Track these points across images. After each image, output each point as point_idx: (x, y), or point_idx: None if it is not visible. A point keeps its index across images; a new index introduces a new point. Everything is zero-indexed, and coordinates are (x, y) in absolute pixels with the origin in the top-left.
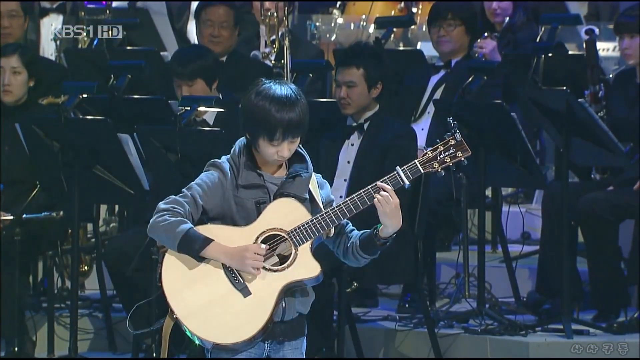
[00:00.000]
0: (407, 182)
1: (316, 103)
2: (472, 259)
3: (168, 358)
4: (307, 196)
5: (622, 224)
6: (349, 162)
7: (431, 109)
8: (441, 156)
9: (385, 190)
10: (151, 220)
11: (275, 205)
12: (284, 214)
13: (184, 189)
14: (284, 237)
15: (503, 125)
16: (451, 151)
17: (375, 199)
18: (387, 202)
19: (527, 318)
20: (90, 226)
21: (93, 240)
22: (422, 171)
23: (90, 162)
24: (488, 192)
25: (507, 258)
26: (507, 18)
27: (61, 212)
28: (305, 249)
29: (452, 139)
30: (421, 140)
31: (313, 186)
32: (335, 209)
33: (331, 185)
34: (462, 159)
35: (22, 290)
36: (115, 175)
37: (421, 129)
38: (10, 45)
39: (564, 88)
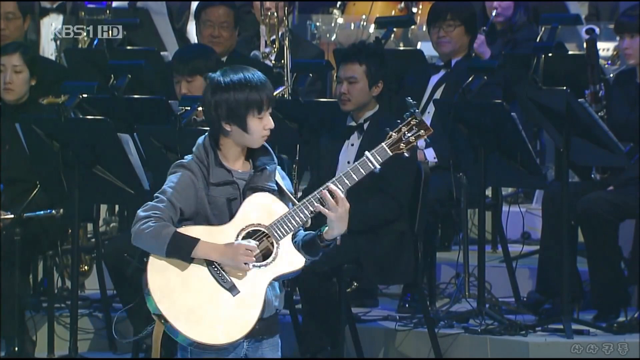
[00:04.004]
0: (377, 165)
1: (316, 103)
2: (472, 259)
3: (167, 358)
4: (276, 187)
5: (622, 224)
6: (349, 162)
7: (431, 108)
8: (406, 137)
9: (335, 195)
10: (134, 229)
11: (251, 201)
12: (261, 208)
13: (157, 194)
14: (264, 231)
15: (503, 125)
16: (414, 131)
17: (326, 205)
18: (339, 205)
19: (527, 318)
20: (90, 226)
21: (93, 240)
22: (390, 153)
23: (90, 162)
24: (488, 192)
25: (507, 258)
26: (500, 16)
27: (61, 210)
28: (286, 242)
29: (413, 119)
30: (421, 140)
31: (277, 177)
32: (311, 198)
33: None
34: (425, 137)
35: (22, 290)
36: (116, 175)
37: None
38: (12, 44)
39: (564, 88)
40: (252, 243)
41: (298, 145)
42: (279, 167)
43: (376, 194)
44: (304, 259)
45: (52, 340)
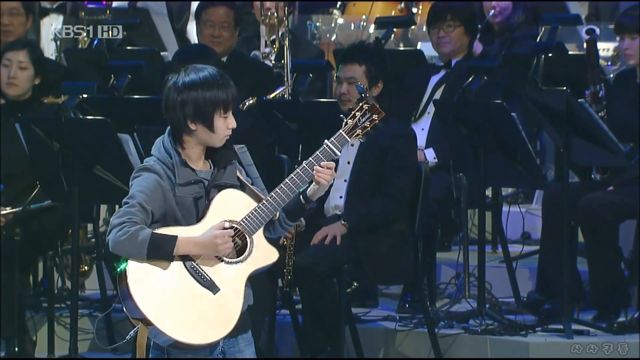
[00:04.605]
0: (338, 152)
1: (316, 103)
2: (472, 259)
3: (165, 358)
4: (238, 183)
5: (622, 224)
6: (349, 163)
7: (431, 109)
8: (361, 122)
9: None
10: (110, 237)
11: (220, 198)
12: (231, 205)
13: (126, 199)
14: (236, 228)
15: (503, 126)
16: (367, 116)
17: (316, 175)
18: (328, 173)
19: (527, 318)
20: (90, 226)
21: (93, 240)
22: (349, 139)
23: (90, 162)
24: (488, 192)
25: (507, 258)
26: (498, 16)
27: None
28: (259, 237)
29: (365, 104)
30: (421, 140)
31: (238, 172)
32: (278, 191)
33: (331, 186)
34: (377, 121)
35: (22, 290)
36: (115, 175)
37: (421, 129)
38: (20, 41)
39: (564, 88)
40: (226, 225)
41: (301, 146)
42: (236, 163)
43: (377, 194)
44: (278, 252)
45: (52, 340)
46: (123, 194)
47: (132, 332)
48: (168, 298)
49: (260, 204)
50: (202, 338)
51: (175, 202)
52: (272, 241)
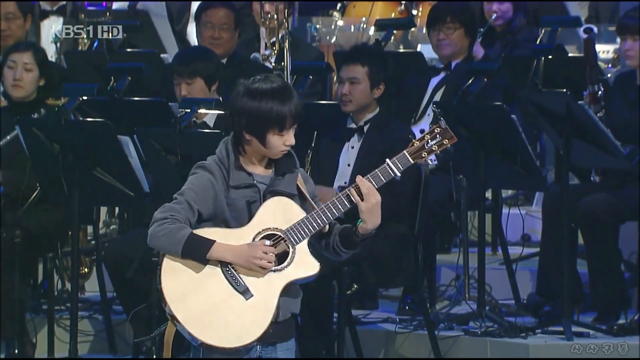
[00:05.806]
0: (398, 173)
1: (317, 105)
2: (472, 261)
3: (175, 358)
4: (296, 192)
5: (622, 225)
6: (349, 165)
7: (431, 111)
8: (428, 145)
9: (366, 188)
10: (150, 230)
11: (268, 205)
12: (278, 213)
13: (176, 195)
14: (280, 236)
15: (503, 128)
16: (438, 139)
17: (358, 197)
18: (369, 198)
19: (527, 320)
20: (90, 228)
21: (93, 242)
22: (412, 161)
23: (90, 164)
24: (488, 194)
25: (507, 260)
26: (499, 19)
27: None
28: (302, 248)
29: (437, 127)
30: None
31: (299, 182)
32: (329, 204)
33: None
34: (449, 145)
35: (22, 292)
36: (116, 177)
37: (421, 130)
38: (24, 43)
39: (564, 90)
40: (267, 243)
41: (310, 150)
42: (301, 171)
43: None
44: (319, 264)
45: (52, 342)
46: (123, 196)
47: (162, 327)
48: (198, 298)
49: (308, 215)
50: (226, 341)
51: (227, 203)
52: (318, 254)
